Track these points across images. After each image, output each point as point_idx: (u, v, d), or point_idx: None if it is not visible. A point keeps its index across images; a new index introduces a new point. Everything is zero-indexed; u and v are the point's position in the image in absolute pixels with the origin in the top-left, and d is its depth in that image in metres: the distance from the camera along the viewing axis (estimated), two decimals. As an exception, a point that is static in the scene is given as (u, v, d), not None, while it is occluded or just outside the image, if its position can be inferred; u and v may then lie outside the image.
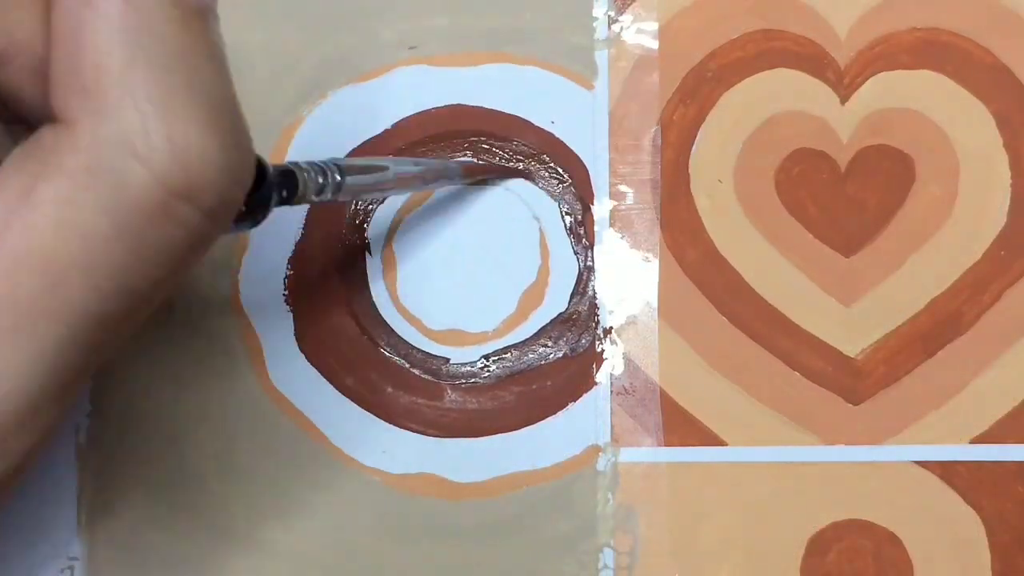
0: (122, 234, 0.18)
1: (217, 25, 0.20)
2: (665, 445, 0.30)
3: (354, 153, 0.32)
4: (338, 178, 0.24)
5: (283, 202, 0.23)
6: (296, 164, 0.23)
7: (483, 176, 0.31)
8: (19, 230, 0.18)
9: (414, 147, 0.32)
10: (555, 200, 0.32)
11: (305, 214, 0.32)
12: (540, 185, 0.32)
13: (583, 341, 0.31)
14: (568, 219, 0.31)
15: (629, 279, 0.31)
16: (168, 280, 0.19)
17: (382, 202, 0.32)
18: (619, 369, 0.31)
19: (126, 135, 0.18)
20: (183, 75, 0.18)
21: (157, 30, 0.18)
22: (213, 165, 0.18)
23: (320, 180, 0.24)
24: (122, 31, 0.18)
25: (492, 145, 0.32)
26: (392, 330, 0.31)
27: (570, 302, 0.31)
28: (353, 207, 0.32)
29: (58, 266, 0.18)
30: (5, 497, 0.20)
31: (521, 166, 0.32)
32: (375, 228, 0.32)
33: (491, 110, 0.32)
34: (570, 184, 0.32)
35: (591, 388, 0.31)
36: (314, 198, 0.24)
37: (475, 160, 0.31)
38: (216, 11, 0.20)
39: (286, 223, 0.32)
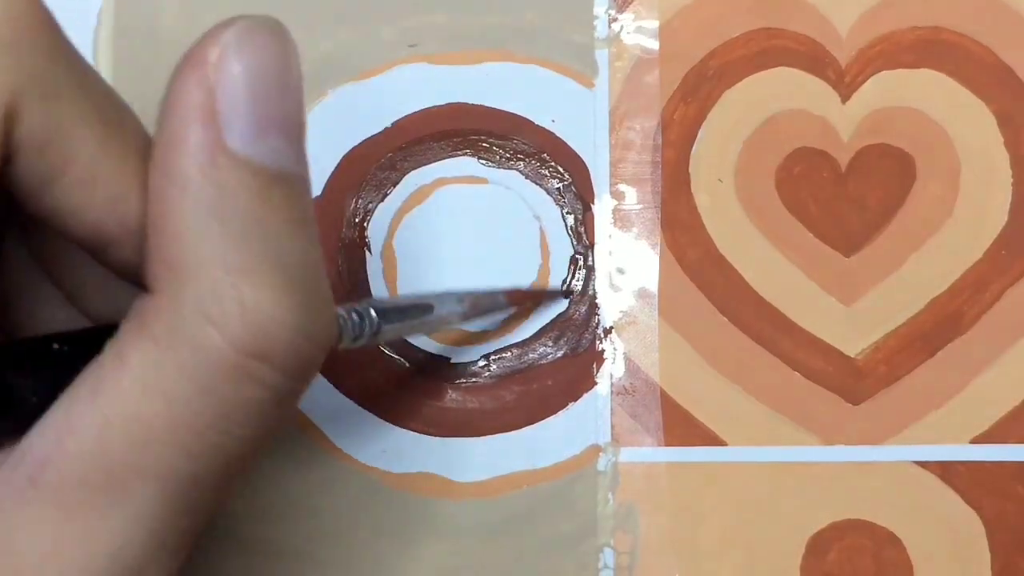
0: (204, 395, 0.19)
1: (303, 190, 0.20)
2: (665, 445, 0.30)
3: (354, 153, 0.32)
4: (376, 323, 0.25)
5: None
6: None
7: (528, 301, 0.31)
8: (109, 392, 0.19)
9: (414, 146, 0.32)
10: (555, 200, 0.32)
11: (305, 213, 0.32)
12: (540, 185, 0.32)
13: (583, 341, 0.31)
14: (568, 219, 0.31)
15: (629, 279, 0.31)
16: (258, 438, 0.20)
17: (382, 200, 0.32)
18: (619, 369, 0.31)
19: (201, 302, 0.19)
20: (258, 243, 0.19)
21: (234, 201, 0.19)
22: (286, 327, 0.19)
23: (355, 326, 0.24)
24: (200, 204, 0.19)
25: (492, 144, 0.32)
26: (392, 330, 0.31)
27: (570, 302, 0.31)
28: (353, 205, 0.32)
29: (145, 426, 0.19)
30: None
31: (521, 165, 0.32)
32: (375, 227, 0.32)
33: (491, 108, 0.32)
34: (570, 183, 0.32)
35: (591, 388, 0.31)
36: (347, 347, 0.24)
37: (519, 287, 0.31)
38: (306, 179, 0.20)
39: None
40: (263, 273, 0.19)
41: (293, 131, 0.20)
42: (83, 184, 0.20)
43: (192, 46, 0.19)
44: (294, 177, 0.20)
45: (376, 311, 0.25)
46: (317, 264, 0.20)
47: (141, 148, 0.20)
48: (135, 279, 0.21)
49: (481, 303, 0.30)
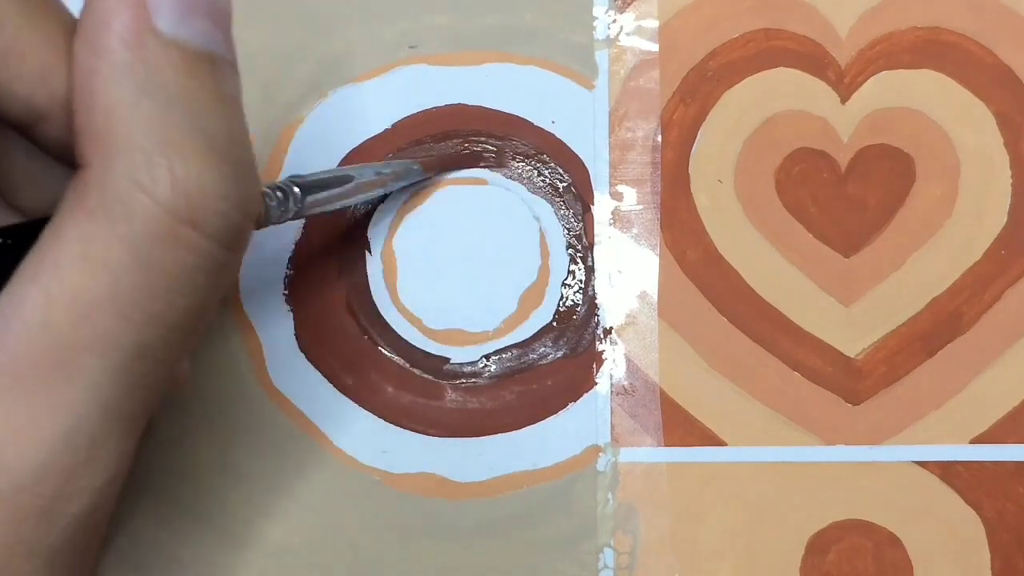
0: (140, 263, 0.20)
1: (230, 71, 0.21)
2: (665, 445, 0.30)
3: (354, 153, 0.32)
4: (298, 195, 0.26)
5: None
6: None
7: (442, 167, 0.32)
8: (48, 269, 0.19)
9: (414, 147, 0.32)
10: (555, 200, 0.32)
11: (305, 215, 0.32)
12: (540, 185, 0.32)
13: (583, 341, 0.31)
14: (568, 219, 0.31)
15: (629, 279, 0.31)
16: (196, 308, 0.20)
17: (382, 201, 0.32)
18: (619, 369, 0.31)
19: (133, 171, 0.19)
20: (186, 117, 0.20)
21: (162, 78, 0.20)
22: (215, 194, 0.20)
23: (280, 203, 0.25)
24: (128, 78, 0.20)
25: (492, 145, 0.32)
26: (392, 330, 0.31)
27: (570, 302, 0.31)
28: (353, 206, 0.32)
29: (87, 299, 0.19)
30: (95, 540, 0.22)
31: (521, 166, 0.32)
32: (375, 228, 0.32)
33: (491, 110, 0.32)
34: (570, 184, 0.32)
35: (591, 388, 0.31)
36: (276, 222, 0.25)
37: (431, 155, 0.32)
38: (231, 60, 0.21)
39: (286, 224, 0.32)
40: (191, 145, 0.20)
41: (219, 17, 0.21)
42: (10, 55, 0.21)
43: None
44: (220, 58, 0.21)
45: (298, 186, 0.26)
46: (243, 139, 0.21)
47: (67, 24, 0.21)
48: (69, 160, 0.21)
49: (398, 171, 0.30)
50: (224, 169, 0.20)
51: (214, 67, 0.21)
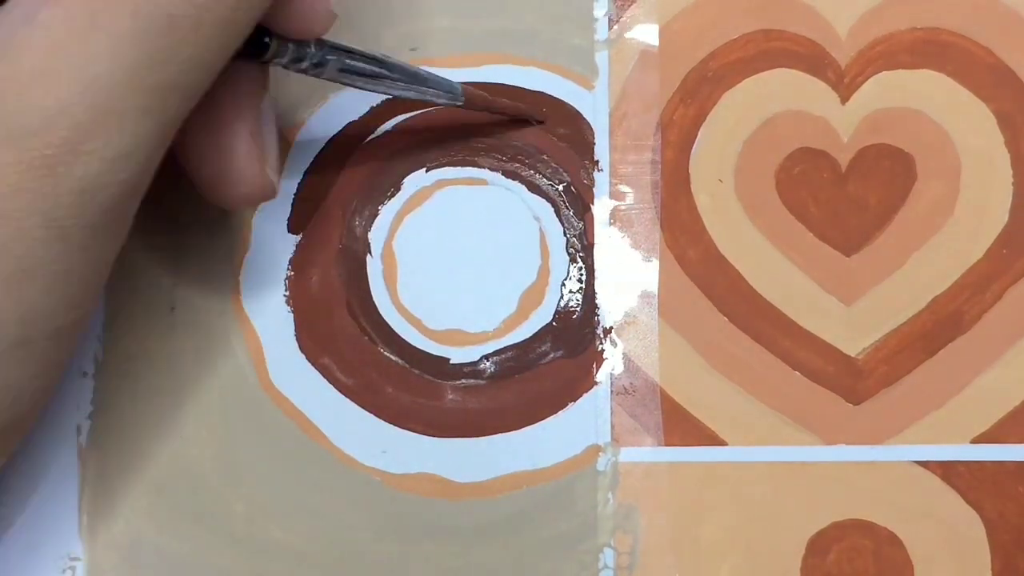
0: None
1: None
2: (665, 445, 0.30)
3: (355, 155, 0.32)
4: (315, 52, 0.27)
5: (256, 51, 0.25)
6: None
7: (485, 107, 0.31)
8: None
9: (415, 148, 0.32)
10: (555, 201, 0.32)
11: (305, 215, 0.32)
12: (540, 186, 0.32)
13: (583, 341, 0.31)
14: (568, 219, 0.31)
15: (629, 279, 0.31)
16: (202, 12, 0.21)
17: (383, 203, 0.32)
18: (619, 369, 0.31)
19: None
20: None
21: None
22: None
23: (299, 47, 0.26)
24: None
25: (491, 145, 0.32)
26: (392, 330, 0.31)
27: (570, 302, 0.31)
28: (353, 207, 0.32)
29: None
30: (102, 230, 0.22)
31: (521, 166, 0.32)
32: (375, 228, 0.32)
33: (491, 110, 0.32)
34: (570, 184, 0.32)
35: (591, 388, 0.31)
36: (291, 58, 0.26)
37: (485, 94, 0.31)
38: None
39: (287, 223, 0.32)
40: None
41: None
42: None
43: None
44: None
45: (329, 46, 0.27)
46: None
47: None
48: None
49: (441, 84, 0.30)
50: None
51: None
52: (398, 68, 0.29)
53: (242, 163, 0.26)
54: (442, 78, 0.30)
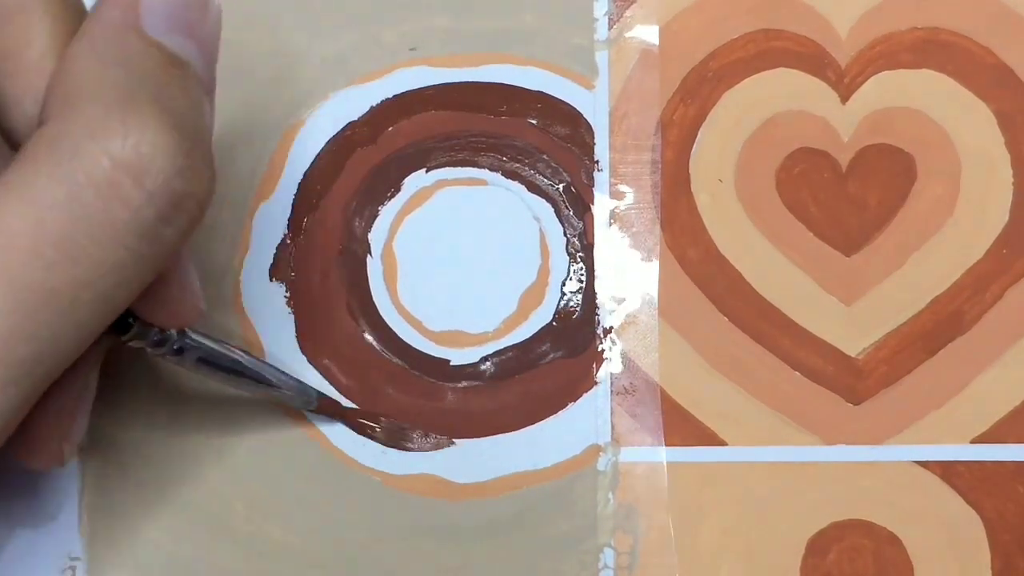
0: (70, 203, 0.20)
1: (202, 81, 0.22)
2: (665, 445, 0.30)
3: (355, 155, 0.32)
4: (177, 338, 0.26)
5: (117, 329, 0.24)
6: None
7: (338, 418, 0.31)
8: None
9: (415, 148, 0.32)
10: (555, 201, 0.32)
11: (305, 215, 0.32)
12: (540, 186, 0.32)
13: (583, 341, 0.31)
14: (568, 219, 0.31)
15: (629, 279, 0.31)
16: (113, 269, 0.20)
17: (383, 203, 0.32)
18: (619, 369, 0.31)
19: (88, 121, 0.20)
20: (152, 90, 0.21)
21: (138, 61, 0.21)
22: (164, 155, 0.20)
23: (156, 334, 0.25)
24: (102, 52, 0.21)
25: (492, 145, 0.32)
26: (392, 331, 0.31)
27: (570, 302, 0.31)
28: (353, 208, 0.32)
29: (8, 231, 0.20)
30: None
31: (521, 166, 0.32)
32: (375, 228, 0.32)
33: (491, 110, 0.32)
34: (570, 184, 0.32)
35: (591, 388, 0.31)
36: (147, 344, 0.25)
37: (337, 403, 0.31)
38: (207, 79, 0.22)
39: (285, 224, 0.32)
40: (151, 111, 0.20)
41: (204, 44, 0.22)
42: (32, 74, 0.22)
43: None
44: (194, 69, 0.22)
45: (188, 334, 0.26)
46: (203, 124, 0.22)
47: None
48: None
49: (294, 388, 0.30)
50: (179, 139, 0.20)
51: (187, 71, 0.22)
52: (253, 372, 0.28)
53: (40, 435, 0.25)
54: (298, 383, 0.30)
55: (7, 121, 0.23)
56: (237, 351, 0.28)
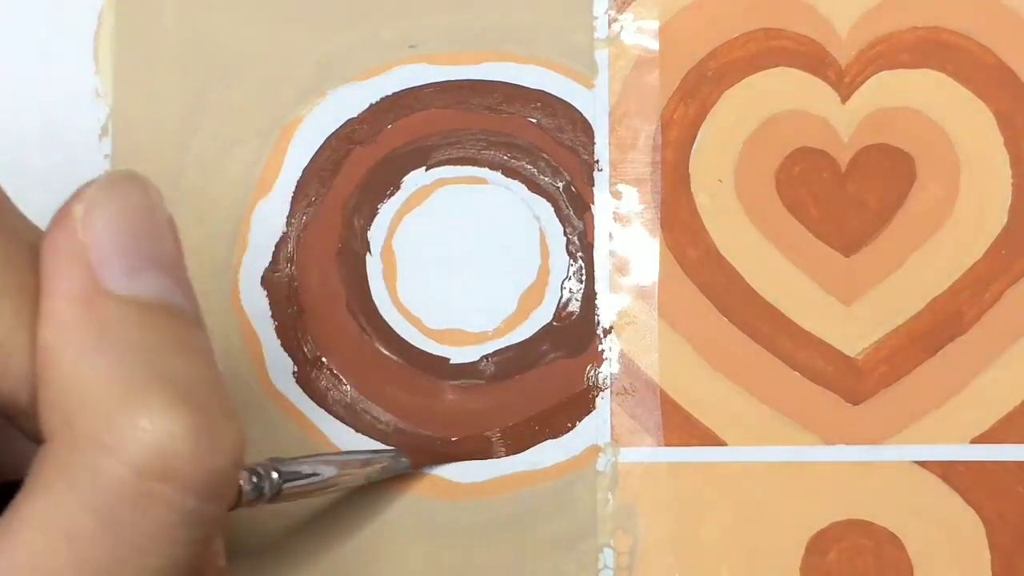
0: (107, 528, 0.18)
1: (189, 319, 0.20)
2: (665, 445, 0.30)
3: (354, 154, 0.32)
4: (276, 481, 0.25)
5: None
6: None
7: (433, 461, 0.31)
8: (9, 546, 0.18)
9: (414, 147, 0.32)
10: (555, 200, 0.32)
11: (303, 213, 0.32)
12: (540, 185, 0.32)
13: (583, 341, 0.31)
14: (568, 219, 0.31)
15: (629, 279, 0.31)
16: (179, 566, 0.19)
17: (382, 201, 0.32)
18: (619, 369, 0.31)
19: (94, 433, 0.18)
20: (146, 366, 0.19)
21: (116, 333, 0.19)
22: (186, 442, 0.18)
23: (255, 487, 0.24)
24: (79, 339, 0.19)
25: (491, 144, 0.32)
26: (392, 330, 0.31)
27: (570, 302, 0.31)
28: (353, 207, 0.32)
29: (50, 570, 0.18)
30: None
31: (521, 165, 0.32)
32: (375, 227, 0.32)
33: (491, 109, 0.32)
34: (570, 183, 0.32)
35: (591, 388, 0.31)
36: (246, 505, 0.24)
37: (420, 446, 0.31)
38: (188, 308, 0.20)
39: (284, 224, 0.32)
40: (156, 397, 0.18)
41: (169, 267, 0.20)
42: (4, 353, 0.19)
43: (58, 208, 0.19)
44: (176, 307, 0.20)
45: (277, 471, 0.25)
46: (214, 382, 0.20)
47: None
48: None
49: (385, 463, 0.29)
50: (195, 417, 0.19)
51: (171, 316, 0.20)
52: (344, 476, 0.28)
53: None
54: (386, 456, 0.30)
55: None
56: (321, 460, 0.27)
